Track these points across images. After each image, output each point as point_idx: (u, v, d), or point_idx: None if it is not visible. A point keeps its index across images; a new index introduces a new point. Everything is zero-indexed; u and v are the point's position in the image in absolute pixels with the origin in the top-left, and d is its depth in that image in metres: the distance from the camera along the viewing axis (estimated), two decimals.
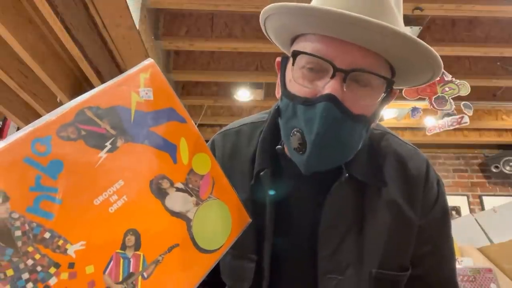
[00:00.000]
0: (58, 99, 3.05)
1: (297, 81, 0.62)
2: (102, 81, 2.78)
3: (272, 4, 0.60)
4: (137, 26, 2.42)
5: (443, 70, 0.62)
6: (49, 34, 2.56)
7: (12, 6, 2.16)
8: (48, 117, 0.41)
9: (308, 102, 0.59)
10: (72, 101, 0.44)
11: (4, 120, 3.48)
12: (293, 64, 0.62)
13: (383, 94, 0.62)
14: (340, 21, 0.55)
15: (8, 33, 2.13)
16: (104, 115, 0.45)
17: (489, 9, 2.64)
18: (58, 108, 0.43)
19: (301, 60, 0.62)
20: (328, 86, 0.58)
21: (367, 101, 0.61)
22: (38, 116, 3.21)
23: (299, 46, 0.64)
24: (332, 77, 0.58)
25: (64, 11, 2.09)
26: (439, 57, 0.59)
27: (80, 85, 3.22)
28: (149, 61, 0.52)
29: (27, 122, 3.19)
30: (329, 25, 0.57)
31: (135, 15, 2.38)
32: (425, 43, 0.57)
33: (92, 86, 2.99)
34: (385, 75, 0.61)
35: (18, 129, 3.51)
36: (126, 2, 2.17)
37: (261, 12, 0.64)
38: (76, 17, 2.28)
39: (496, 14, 2.84)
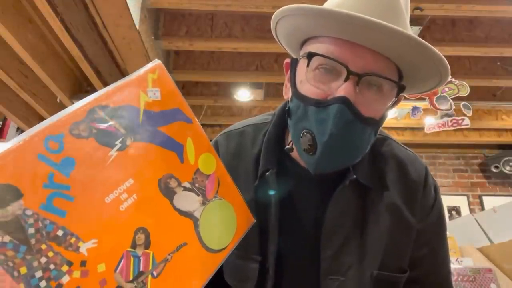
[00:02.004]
0: (58, 99, 3.05)
1: (309, 82, 0.62)
2: (102, 81, 2.78)
3: (288, 6, 0.61)
4: (137, 26, 2.42)
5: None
6: (49, 34, 2.57)
7: (12, 6, 2.16)
8: (60, 115, 0.41)
9: (321, 104, 0.60)
10: (83, 99, 0.44)
11: (4, 120, 3.47)
12: (307, 66, 0.62)
13: (393, 99, 0.63)
14: (355, 24, 0.55)
15: (8, 33, 2.13)
16: (114, 114, 0.45)
17: (489, 9, 2.64)
18: (69, 107, 0.43)
19: (314, 61, 0.62)
20: (342, 88, 0.58)
21: (378, 105, 0.62)
22: (38, 116, 3.20)
23: (311, 47, 0.64)
24: (346, 80, 0.58)
25: (64, 11, 2.09)
26: (448, 66, 0.59)
27: (80, 85, 3.22)
28: (156, 62, 0.52)
29: (27, 122, 3.18)
30: (344, 28, 0.57)
31: (135, 15, 2.38)
32: (437, 51, 0.57)
33: (92, 86, 2.99)
34: (395, 80, 0.61)
35: (18, 129, 3.50)
36: (126, 2, 2.17)
37: (275, 13, 0.64)
38: (76, 17, 2.28)
39: (496, 14, 2.84)
